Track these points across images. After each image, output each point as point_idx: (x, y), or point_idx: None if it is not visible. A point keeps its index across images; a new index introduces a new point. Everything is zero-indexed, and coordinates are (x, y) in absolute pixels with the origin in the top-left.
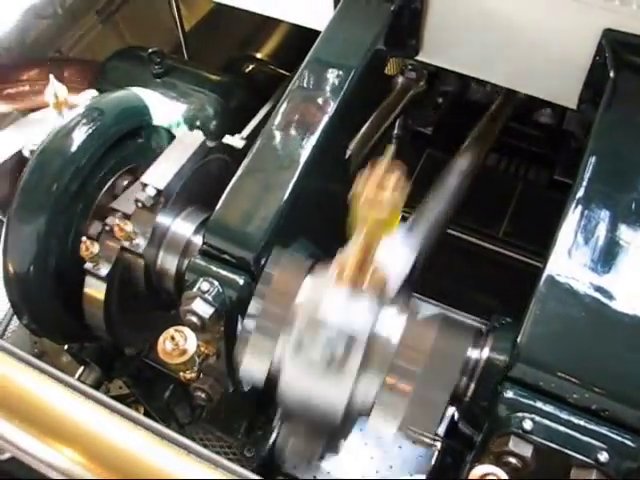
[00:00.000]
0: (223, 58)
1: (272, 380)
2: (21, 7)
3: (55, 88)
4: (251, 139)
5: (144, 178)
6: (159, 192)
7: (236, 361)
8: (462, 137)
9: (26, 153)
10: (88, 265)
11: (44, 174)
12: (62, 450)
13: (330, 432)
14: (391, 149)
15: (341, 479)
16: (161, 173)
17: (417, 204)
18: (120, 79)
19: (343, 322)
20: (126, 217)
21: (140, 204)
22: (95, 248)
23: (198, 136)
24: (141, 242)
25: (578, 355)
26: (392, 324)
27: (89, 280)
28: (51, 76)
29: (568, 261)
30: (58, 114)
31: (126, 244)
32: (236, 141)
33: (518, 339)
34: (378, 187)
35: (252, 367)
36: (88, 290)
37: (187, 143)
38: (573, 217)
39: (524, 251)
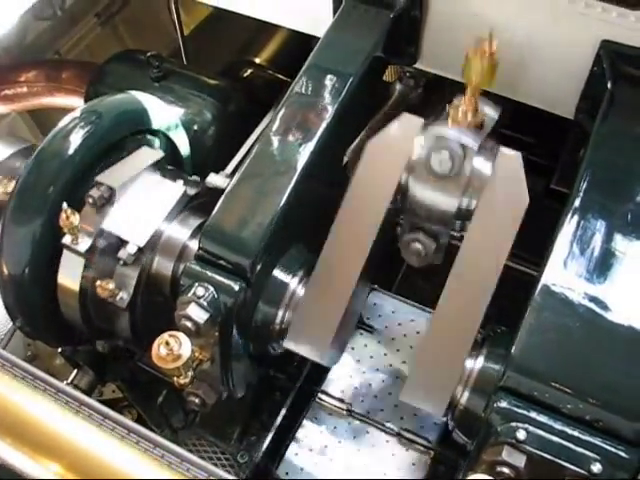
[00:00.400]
0: (221, 63)
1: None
2: (20, 8)
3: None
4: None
5: (123, 234)
6: (140, 249)
7: None
8: None
9: None
10: (67, 239)
11: (41, 176)
12: (47, 465)
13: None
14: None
15: (334, 479)
16: (140, 230)
17: None
18: (118, 82)
19: (459, 136)
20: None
21: (121, 262)
22: (75, 219)
23: (178, 187)
24: (124, 296)
25: (572, 365)
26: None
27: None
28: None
29: (564, 271)
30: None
31: (110, 300)
32: (220, 181)
33: (512, 349)
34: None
35: None
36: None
37: (168, 195)
38: (569, 227)
39: (520, 259)
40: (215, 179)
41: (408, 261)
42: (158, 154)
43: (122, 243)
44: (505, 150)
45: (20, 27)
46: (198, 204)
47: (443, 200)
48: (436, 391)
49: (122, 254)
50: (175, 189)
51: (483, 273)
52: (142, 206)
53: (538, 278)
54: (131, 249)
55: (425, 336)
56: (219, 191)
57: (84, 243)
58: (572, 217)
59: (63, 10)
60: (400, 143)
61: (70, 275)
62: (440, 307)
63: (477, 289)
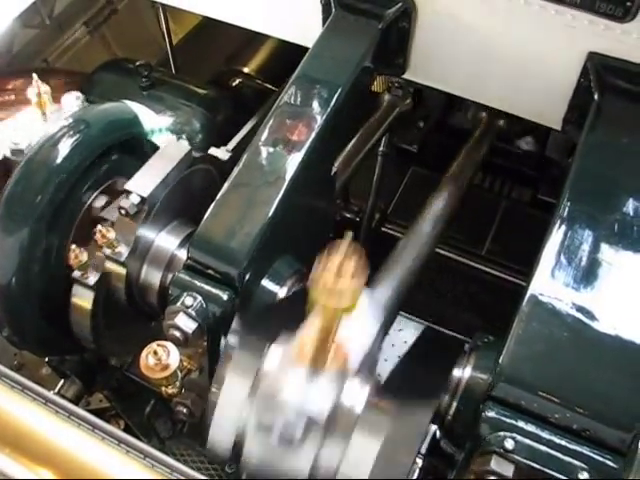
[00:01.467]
0: (210, 72)
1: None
2: (8, 16)
3: (38, 86)
4: (237, 152)
5: (128, 185)
6: (143, 200)
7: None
8: (447, 156)
9: (8, 153)
10: (76, 274)
11: (29, 185)
12: (38, 471)
13: None
14: (350, 235)
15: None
16: (145, 181)
17: (399, 221)
18: (107, 91)
19: (302, 404)
20: (110, 224)
21: (123, 211)
22: (84, 256)
23: (183, 146)
24: (123, 250)
25: (560, 375)
26: (355, 396)
27: (77, 289)
28: (34, 75)
29: (551, 281)
30: (42, 114)
31: (108, 252)
32: (222, 153)
33: (500, 358)
34: (336, 275)
35: (218, 438)
36: (76, 299)
37: (172, 152)
38: (556, 237)
39: (507, 269)
40: (216, 151)
41: None
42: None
43: (126, 194)
44: None
45: (8, 35)
46: (201, 169)
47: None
48: None
49: (124, 204)
50: (180, 146)
51: None
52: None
53: (526, 288)
54: (134, 199)
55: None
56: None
57: (93, 277)
58: (559, 227)
59: (51, 18)
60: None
61: (81, 311)
62: None
63: None
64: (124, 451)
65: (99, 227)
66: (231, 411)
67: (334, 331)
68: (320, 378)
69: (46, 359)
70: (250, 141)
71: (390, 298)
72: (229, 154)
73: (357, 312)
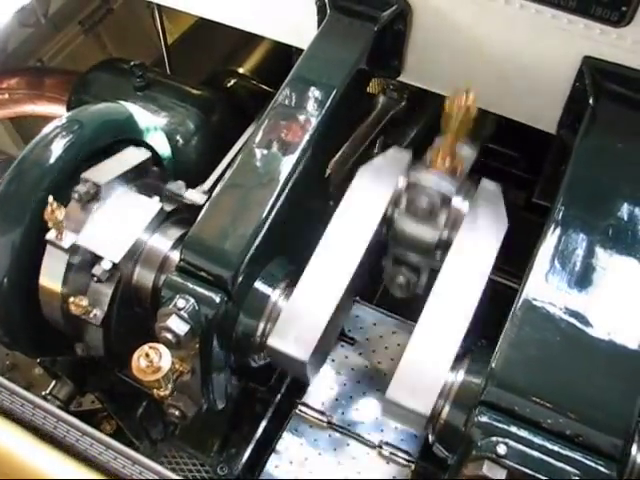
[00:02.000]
0: (205, 72)
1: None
2: (4, 15)
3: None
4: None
5: (98, 250)
6: (114, 265)
7: None
8: None
9: None
10: (51, 234)
11: (21, 185)
12: None
13: (427, 264)
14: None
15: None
16: (115, 245)
17: None
18: (101, 91)
19: (438, 183)
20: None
21: (95, 279)
22: (60, 213)
23: (154, 204)
24: (98, 314)
25: (553, 380)
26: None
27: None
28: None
29: (545, 286)
30: None
31: (84, 317)
32: (197, 197)
33: (493, 363)
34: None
35: None
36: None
37: (144, 211)
38: (550, 242)
39: (501, 272)
40: (192, 195)
41: (392, 292)
42: (144, 154)
43: (96, 259)
44: (486, 181)
45: (3, 34)
46: (176, 219)
47: (424, 234)
48: (422, 390)
49: (96, 270)
50: (151, 205)
51: (464, 292)
52: (118, 222)
53: (519, 292)
54: (106, 265)
55: (412, 338)
56: (197, 208)
57: (68, 239)
58: (553, 231)
59: (46, 18)
60: (388, 175)
61: (53, 272)
62: (421, 322)
63: (458, 307)
64: (112, 457)
65: (72, 300)
66: None
67: (458, 142)
68: (447, 177)
69: (38, 360)
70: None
71: None
72: (205, 196)
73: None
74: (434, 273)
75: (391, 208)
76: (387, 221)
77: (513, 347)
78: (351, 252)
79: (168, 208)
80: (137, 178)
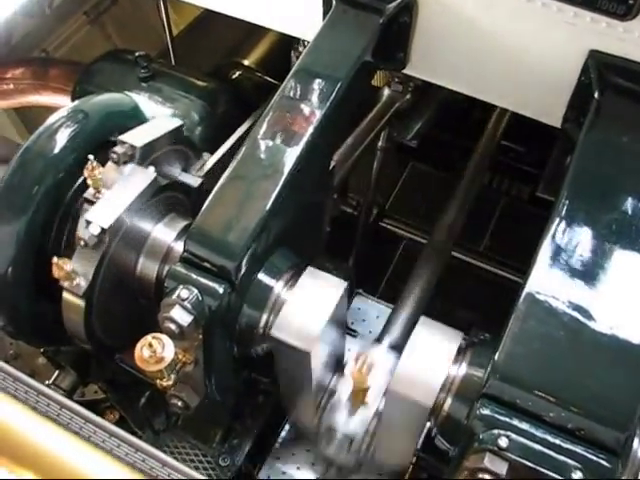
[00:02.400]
0: (210, 64)
1: None
2: (9, 5)
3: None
4: (211, 175)
5: (88, 215)
6: (103, 230)
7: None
8: (446, 151)
9: None
10: (89, 193)
11: (26, 175)
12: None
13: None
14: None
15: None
16: (107, 212)
17: (397, 216)
18: (106, 82)
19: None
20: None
21: (83, 242)
22: (99, 172)
23: (149, 173)
24: (82, 283)
25: (555, 374)
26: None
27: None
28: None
29: (548, 279)
30: None
31: (66, 284)
32: (190, 179)
33: (496, 356)
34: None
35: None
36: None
37: (137, 180)
38: (554, 235)
39: (505, 266)
40: (186, 177)
41: None
42: (177, 122)
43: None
44: None
45: (7, 24)
46: (170, 198)
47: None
48: (424, 383)
49: (84, 234)
50: (146, 175)
51: None
52: (113, 193)
53: (523, 286)
54: (94, 229)
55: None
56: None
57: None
58: (557, 225)
59: (51, 8)
60: None
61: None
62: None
63: None
64: (115, 445)
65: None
66: None
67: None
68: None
69: (41, 350)
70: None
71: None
72: (200, 180)
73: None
74: None
75: None
76: None
77: (516, 340)
78: None
79: (163, 182)
80: (170, 144)
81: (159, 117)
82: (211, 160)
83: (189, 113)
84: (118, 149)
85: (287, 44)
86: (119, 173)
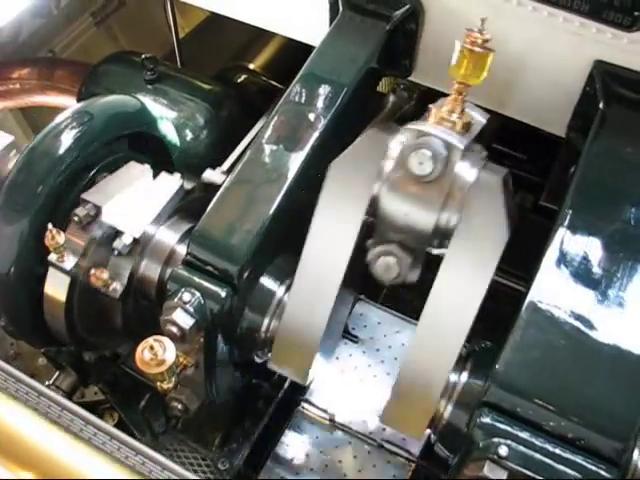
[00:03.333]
0: (216, 67)
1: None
2: (17, 5)
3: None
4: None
5: (119, 225)
6: (135, 240)
7: None
8: None
9: None
10: (52, 257)
11: (30, 175)
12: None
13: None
14: None
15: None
16: (131, 217)
17: None
18: (112, 83)
19: (443, 134)
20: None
21: (116, 252)
22: (61, 238)
23: (176, 180)
24: (118, 287)
25: (556, 383)
26: (469, 167)
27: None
28: None
29: (551, 288)
30: None
31: (103, 289)
32: (216, 176)
33: (497, 364)
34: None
35: None
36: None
37: (165, 186)
38: (558, 245)
39: (507, 274)
40: (211, 175)
41: (378, 278)
42: (147, 170)
43: (117, 234)
44: (485, 176)
45: (15, 24)
46: (192, 202)
47: (420, 213)
48: (415, 417)
49: (117, 244)
50: (173, 182)
51: (463, 298)
52: (139, 198)
53: (525, 295)
54: (126, 239)
55: (406, 357)
56: (215, 188)
57: (70, 261)
58: (561, 235)
59: (59, 9)
60: (367, 159)
61: (56, 292)
62: (421, 328)
63: (458, 312)
64: (116, 447)
65: (92, 271)
66: None
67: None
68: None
69: (42, 350)
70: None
71: None
72: (224, 176)
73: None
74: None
75: (378, 186)
76: (374, 203)
77: (517, 349)
78: (339, 247)
79: (188, 186)
80: None
81: (129, 165)
82: (231, 156)
83: (194, 116)
84: (80, 210)
85: (293, 48)
86: (85, 234)
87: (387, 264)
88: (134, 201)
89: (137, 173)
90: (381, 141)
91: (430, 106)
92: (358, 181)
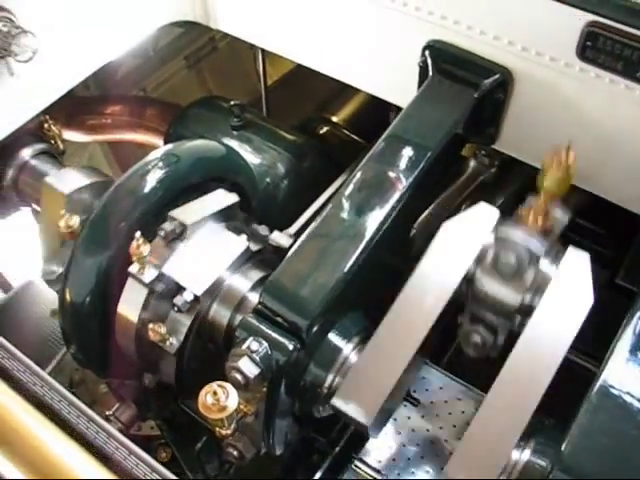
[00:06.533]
0: (300, 116)
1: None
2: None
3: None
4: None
5: (182, 281)
6: (196, 298)
7: None
8: None
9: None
10: (133, 268)
11: (115, 210)
12: None
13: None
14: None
15: None
16: (199, 278)
17: None
18: (199, 126)
19: (527, 241)
20: (161, 320)
21: (176, 308)
22: (146, 248)
23: (242, 241)
24: (174, 343)
25: (622, 473)
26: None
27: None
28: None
29: (624, 374)
30: None
31: (160, 344)
32: (283, 239)
33: (562, 447)
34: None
35: None
36: (127, 294)
37: (231, 247)
38: (635, 328)
39: (574, 349)
40: (278, 237)
41: (466, 351)
42: (233, 198)
43: (179, 289)
44: (573, 249)
45: (114, 62)
46: (260, 260)
47: (506, 296)
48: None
49: (178, 300)
50: (238, 243)
51: (539, 367)
52: (204, 256)
53: (596, 377)
54: (187, 296)
55: (474, 421)
56: (282, 250)
57: (149, 274)
58: (638, 319)
59: (155, 50)
60: (475, 231)
61: (131, 304)
62: (491, 396)
63: (532, 382)
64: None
65: (151, 327)
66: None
67: (552, 203)
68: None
69: (105, 380)
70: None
71: None
72: (291, 240)
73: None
74: (510, 338)
75: (474, 265)
76: (468, 278)
77: (585, 433)
78: (427, 311)
79: (254, 248)
80: (223, 220)
81: (217, 192)
82: (301, 219)
83: (275, 165)
84: (167, 225)
85: (377, 105)
86: (168, 249)
87: (475, 342)
88: (199, 258)
89: (222, 199)
90: (489, 218)
91: (519, 208)
92: (461, 250)
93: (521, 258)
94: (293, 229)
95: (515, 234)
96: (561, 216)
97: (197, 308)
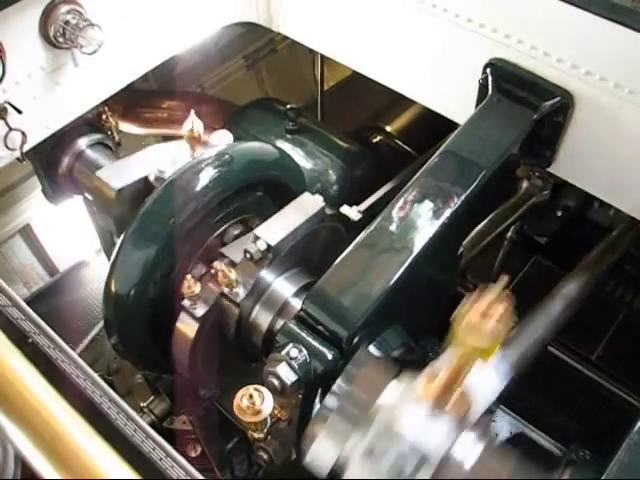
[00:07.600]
0: (354, 123)
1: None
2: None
3: (193, 123)
4: (368, 213)
5: (258, 231)
6: (269, 247)
7: (306, 438)
8: (574, 252)
9: (152, 179)
10: (186, 302)
11: (165, 206)
12: None
13: None
14: (505, 279)
15: None
16: (275, 230)
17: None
18: (253, 127)
19: (418, 440)
20: (232, 265)
21: (249, 255)
22: (197, 288)
23: (318, 201)
24: (240, 292)
25: None
26: (468, 450)
27: (184, 317)
28: (192, 111)
29: None
30: (190, 148)
31: (226, 290)
32: (353, 213)
33: None
34: (483, 315)
35: (321, 451)
36: (180, 326)
37: (306, 206)
38: None
39: (614, 380)
40: (348, 210)
41: None
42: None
43: (254, 238)
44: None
45: (173, 58)
46: (330, 227)
47: None
48: None
49: (251, 247)
50: (315, 201)
51: None
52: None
53: (637, 413)
54: (261, 245)
55: None
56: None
57: (201, 309)
58: None
59: (216, 48)
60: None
61: (184, 337)
62: None
63: None
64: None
65: (222, 266)
66: (337, 434)
67: (465, 373)
68: (440, 418)
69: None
70: (383, 205)
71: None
72: (360, 215)
73: (489, 363)
74: None
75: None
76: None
77: (625, 472)
78: None
79: (328, 212)
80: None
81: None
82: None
83: (327, 171)
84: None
85: (431, 118)
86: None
87: None
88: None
89: (309, 204)
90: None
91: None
92: None
93: (404, 463)
94: (363, 206)
95: (404, 426)
96: (488, 381)
97: (266, 260)
